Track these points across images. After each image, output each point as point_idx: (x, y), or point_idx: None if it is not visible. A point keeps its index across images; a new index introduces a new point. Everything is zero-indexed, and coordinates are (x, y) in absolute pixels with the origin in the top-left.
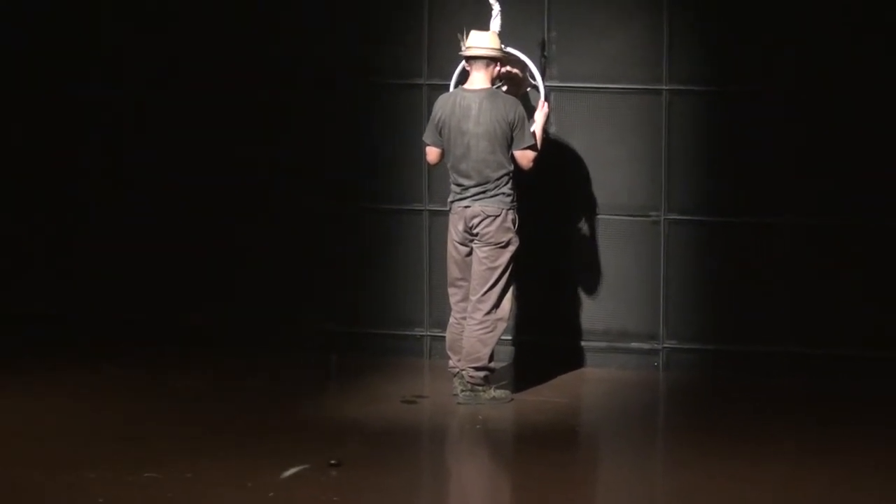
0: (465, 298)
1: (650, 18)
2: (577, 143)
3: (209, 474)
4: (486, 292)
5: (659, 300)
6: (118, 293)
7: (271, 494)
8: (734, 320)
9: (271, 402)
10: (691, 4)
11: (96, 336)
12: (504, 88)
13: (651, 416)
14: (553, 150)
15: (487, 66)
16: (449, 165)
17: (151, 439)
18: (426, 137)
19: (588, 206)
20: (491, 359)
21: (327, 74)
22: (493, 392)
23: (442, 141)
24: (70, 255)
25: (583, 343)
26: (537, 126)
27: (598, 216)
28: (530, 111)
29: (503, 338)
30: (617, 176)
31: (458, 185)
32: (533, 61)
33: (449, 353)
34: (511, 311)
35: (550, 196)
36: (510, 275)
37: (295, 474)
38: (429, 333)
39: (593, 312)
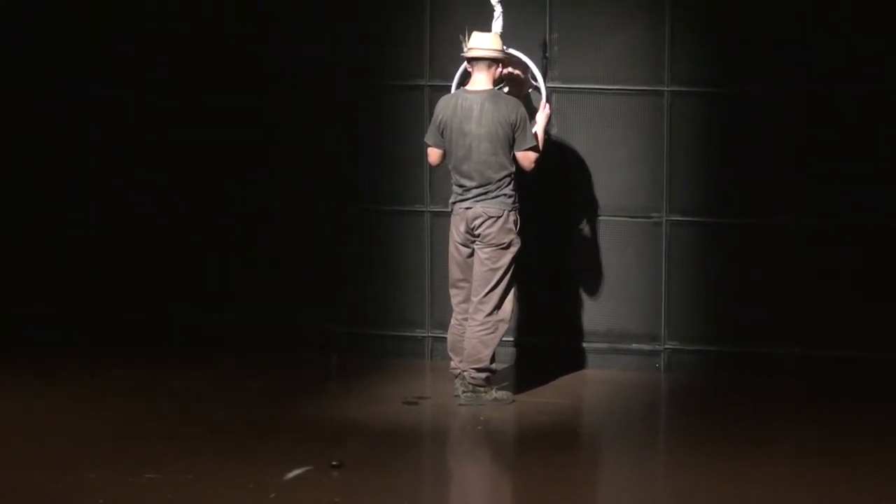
0: (467, 299)
1: (651, 20)
2: (579, 144)
3: (210, 475)
4: (487, 293)
5: (660, 301)
6: (118, 293)
7: (273, 495)
8: (735, 321)
9: (272, 403)
10: (692, 6)
11: (96, 336)
12: (506, 90)
13: (652, 417)
14: (554, 151)
15: (489, 67)
16: (451, 167)
17: (152, 440)
18: (428, 139)
19: (589, 208)
20: (492, 360)
21: (329, 75)
22: (495, 393)
23: (443, 142)
24: (70, 255)
25: (584, 344)
26: (539, 127)
27: (600, 217)
28: (532, 112)
29: (505, 339)
30: (618, 177)
31: (460, 186)
32: (534, 62)
33: (450, 354)
34: (513, 312)
35: (552, 197)
36: (512, 276)
37: (298, 476)
38: (430, 334)
39: (595, 314)
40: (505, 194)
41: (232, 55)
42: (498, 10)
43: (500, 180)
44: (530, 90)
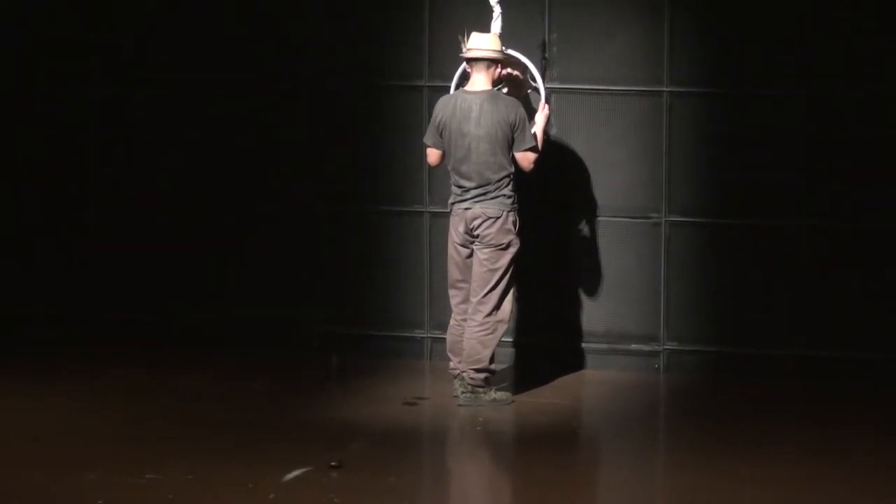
0: (466, 300)
1: (651, 20)
2: (578, 144)
3: (209, 475)
4: (486, 294)
5: (659, 302)
6: (118, 293)
7: (272, 496)
8: (735, 322)
9: (272, 404)
10: (692, 6)
11: (96, 336)
12: (505, 90)
13: (652, 417)
14: (554, 151)
15: (488, 67)
16: (450, 167)
17: (152, 440)
18: (427, 139)
19: (589, 208)
20: (491, 360)
21: (328, 75)
22: (494, 394)
23: (443, 143)
24: (70, 255)
25: (583, 345)
26: (538, 128)
27: (599, 218)
28: (531, 113)
29: (504, 339)
30: (617, 178)
31: (459, 186)
32: (533, 63)
33: (449, 354)
34: (512, 312)
35: (551, 198)
36: (511, 277)
37: (297, 477)
38: (429, 335)
39: (594, 314)
40: (504, 195)
41: (232, 55)
42: (497, 10)
43: (499, 181)
44: (529, 91)
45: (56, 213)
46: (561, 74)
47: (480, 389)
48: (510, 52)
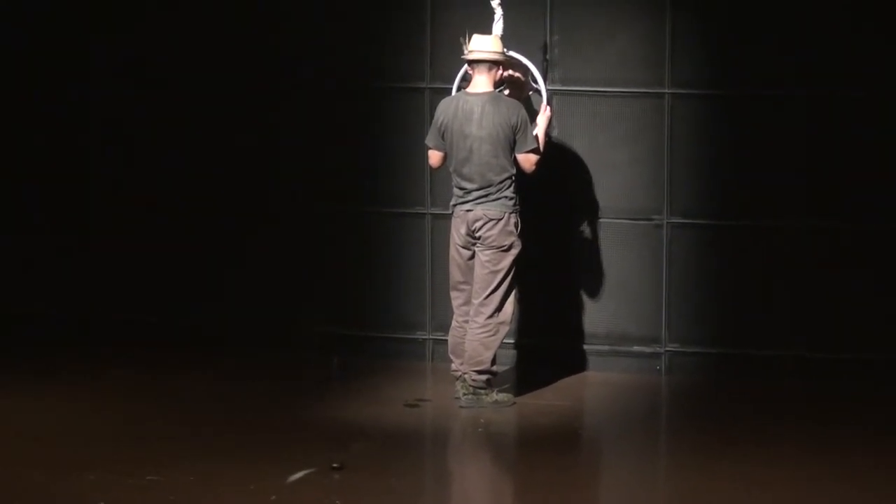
0: (468, 302)
1: (652, 22)
2: (580, 146)
3: (211, 477)
4: (488, 296)
5: (661, 304)
6: (118, 293)
7: (273, 498)
8: (736, 324)
9: (273, 405)
10: (693, 7)
11: (96, 336)
12: (506, 92)
13: (653, 419)
14: (555, 153)
15: (490, 69)
16: (451, 169)
17: (153, 440)
18: (428, 141)
19: (590, 210)
20: (493, 362)
21: (329, 77)
22: (496, 395)
23: (444, 144)
24: (70, 255)
25: (585, 346)
26: (540, 130)
27: (601, 219)
28: (533, 115)
29: (505, 341)
30: (619, 179)
31: (461, 188)
32: (535, 65)
33: (451, 356)
34: (513, 314)
35: (553, 199)
36: (512, 278)
37: (300, 478)
38: (431, 337)
39: (595, 316)
40: (506, 196)
41: (233, 56)
42: (498, 12)
43: (500, 182)
44: (531, 92)
45: (56, 213)
46: (562, 76)
47: (482, 391)
48: (512, 53)
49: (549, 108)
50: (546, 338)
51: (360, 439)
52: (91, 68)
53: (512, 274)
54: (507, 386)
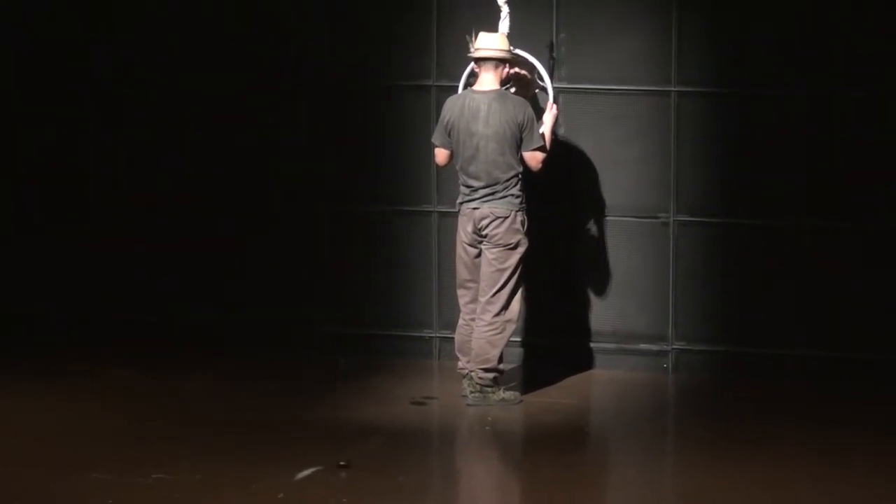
0: (475, 300)
1: (658, 20)
2: (586, 144)
3: (218, 475)
4: (495, 294)
5: (668, 302)
6: (122, 293)
7: (280, 496)
8: (743, 322)
9: (279, 403)
10: (700, 6)
11: (97, 336)
12: (513, 90)
13: (660, 417)
14: (562, 151)
15: (496, 67)
16: (458, 167)
17: (158, 440)
18: (435, 139)
19: (597, 208)
20: (500, 360)
21: (335, 75)
22: (503, 393)
23: (451, 142)
24: (70, 255)
25: (592, 345)
26: (546, 128)
27: (607, 217)
28: (539, 113)
29: (512, 339)
30: (625, 177)
31: (468, 186)
32: (541, 63)
33: (458, 354)
34: (520, 312)
35: (559, 197)
36: (519, 276)
37: (306, 476)
38: (438, 335)
39: (602, 314)
40: (512, 195)
41: (236, 56)
42: (505, 10)
43: (507, 180)
44: (537, 90)
45: (56, 213)
46: (569, 74)
47: (489, 389)
48: (518, 51)
49: (555, 106)
50: (553, 336)
51: (366, 437)
52: (91, 68)
53: (518, 272)
54: (513, 384)
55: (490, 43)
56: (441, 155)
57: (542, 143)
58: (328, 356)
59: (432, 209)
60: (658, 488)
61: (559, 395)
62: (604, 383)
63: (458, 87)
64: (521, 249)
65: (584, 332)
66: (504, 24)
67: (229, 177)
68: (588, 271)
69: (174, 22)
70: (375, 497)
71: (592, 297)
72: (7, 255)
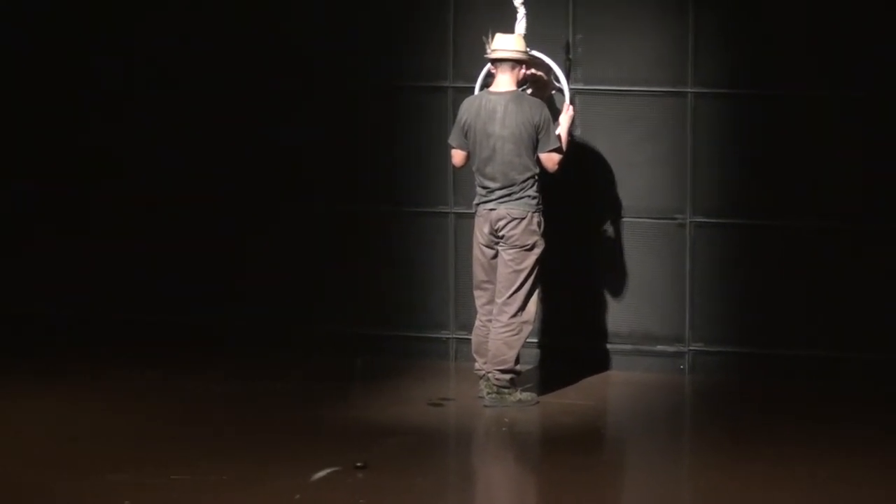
0: (491, 301)
1: (675, 21)
2: (602, 145)
3: (235, 476)
4: (511, 295)
5: (684, 303)
6: (133, 293)
7: (298, 496)
8: (760, 323)
9: (296, 404)
10: (716, 7)
11: (112, 338)
12: (529, 91)
13: (677, 419)
14: (578, 152)
15: (513, 68)
16: (474, 168)
17: (176, 441)
18: (452, 140)
19: (613, 209)
20: (517, 361)
21: (352, 76)
22: (519, 394)
23: (467, 144)
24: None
25: (608, 346)
26: (562, 129)
27: (624, 219)
28: (555, 114)
29: (529, 340)
30: (642, 178)
31: (484, 187)
32: (558, 64)
33: (475, 355)
34: (536, 313)
35: (576, 199)
36: (536, 277)
37: (323, 477)
38: (454, 336)
39: (619, 315)
40: (529, 196)
41: (250, 56)
42: (521, 11)
43: (523, 182)
44: (553, 92)
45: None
46: (585, 75)
47: (506, 390)
48: (535, 52)
49: (571, 107)
50: (569, 337)
51: (383, 438)
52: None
53: (535, 273)
54: (530, 385)
55: (507, 44)
56: (458, 156)
57: (558, 145)
58: (344, 357)
59: (449, 210)
60: (674, 490)
61: (576, 397)
62: (620, 385)
63: (474, 88)
64: (537, 251)
65: (601, 333)
66: (520, 25)
67: (246, 177)
68: (604, 272)
69: (180, 20)
70: (392, 498)
71: (609, 298)
72: (7, 256)
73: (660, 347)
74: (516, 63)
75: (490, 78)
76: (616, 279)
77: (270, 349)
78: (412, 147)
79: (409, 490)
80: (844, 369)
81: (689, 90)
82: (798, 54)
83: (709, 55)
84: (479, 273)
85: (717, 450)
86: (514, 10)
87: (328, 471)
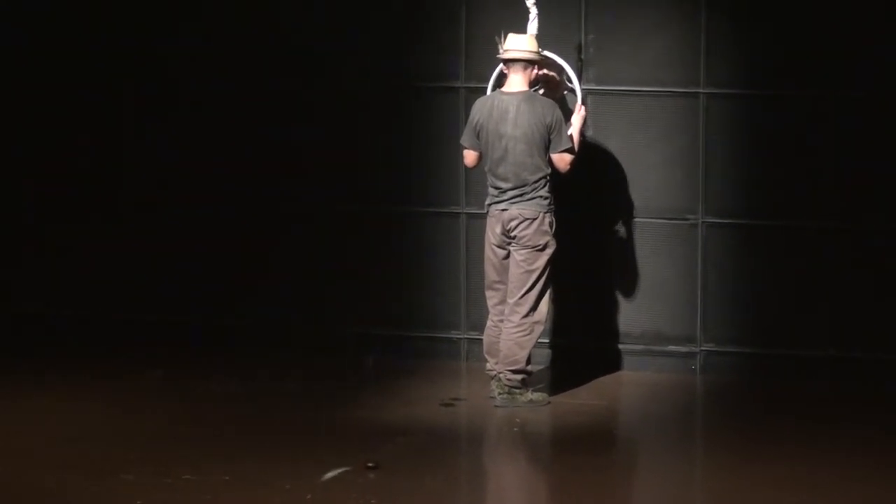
0: (503, 301)
1: (687, 22)
2: (614, 146)
3: (246, 476)
4: (523, 295)
5: (696, 303)
6: (138, 293)
7: (309, 497)
8: (772, 323)
9: (308, 405)
10: (728, 7)
11: (112, 338)
12: (541, 92)
13: (688, 419)
14: (590, 153)
15: (525, 68)
16: (486, 168)
17: (187, 441)
18: (464, 140)
19: (625, 209)
20: (528, 362)
21: (364, 76)
22: (531, 395)
23: (479, 144)
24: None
25: (620, 346)
26: (574, 129)
27: (635, 219)
28: (567, 114)
29: (540, 341)
30: (654, 179)
31: (496, 188)
32: (570, 64)
33: (486, 355)
34: (548, 314)
35: (587, 199)
36: (547, 278)
37: (334, 477)
38: (466, 336)
39: (630, 315)
40: (541, 196)
41: (259, 56)
42: (533, 12)
43: (535, 182)
44: (566, 92)
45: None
46: (597, 76)
47: (517, 390)
48: (547, 53)
49: (583, 107)
50: (581, 337)
51: (395, 439)
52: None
53: (547, 273)
54: (541, 385)
55: (519, 44)
56: (470, 156)
57: (570, 145)
58: (355, 357)
59: (461, 211)
60: (686, 490)
61: (587, 397)
62: (632, 385)
63: (486, 88)
64: (549, 251)
65: (613, 333)
66: (533, 25)
67: (256, 177)
68: (616, 273)
69: (199, 20)
70: (404, 498)
71: (620, 298)
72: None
73: (671, 347)
74: (528, 63)
75: (502, 78)
76: (628, 279)
77: (280, 349)
78: (424, 147)
79: (420, 490)
80: (858, 370)
81: (701, 91)
82: (809, 55)
83: (721, 56)
84: (490, 273)
85: (728, 450)
86: (527, 11)
87: (339, 471)
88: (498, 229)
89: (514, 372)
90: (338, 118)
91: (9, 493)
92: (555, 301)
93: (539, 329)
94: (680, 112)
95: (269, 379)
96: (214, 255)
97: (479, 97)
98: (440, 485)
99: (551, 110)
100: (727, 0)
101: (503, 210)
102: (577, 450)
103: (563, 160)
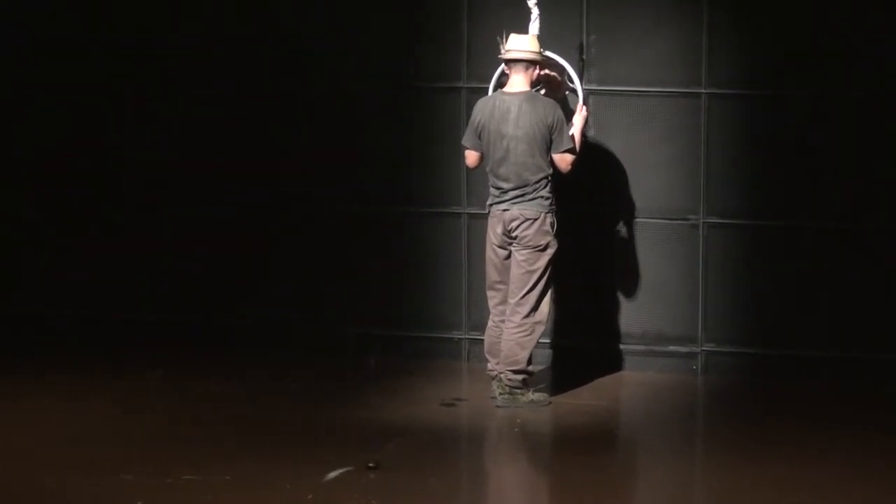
0: (504, 301)
1: (689, 22)
2: (616, 146)
3: (247, 476)
4: (524, 295)
5: (697, 304)
6: (138, 293)
7: (310, 497)
8: (773, 324)
9: (309, 405)
10: (730, 7)
11: (112, 338)
12: (543, 92)
13: (689, 419)
14: (592, 153)
15: (527, 69)
16: (488, 169)
17: (188, 441)
18: (465, 141)
19: (626, 210)
20: (529, 362)
21: (366, 77)
22: (532, 395)
23: (481, 144)
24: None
25: (621, 346)
26: (576, 129)
27: (637, 219)
28: (569, 115)
29: (541, 341)
30: (655, 179)
31: (497, 188)
32: (571, 65)
33: (487, 356)
34: (549, 314)
35: (589, 199)
36: (548, 278)
37: (336, 477)
38: (467, 336)
39: (632, 316)
40: (542, 196)
41: (260, 56)
42: (535, 12)
43: (537, 182)
44: (567, 92)
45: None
46: (599, 76)
47: (518, 391)
48: (548, 53)
49: (585, 107)
50: (582, 337)
51: (396, 439)
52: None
53: (548, 274)
54: (542, 385)
55: (520, 44)
56: (471, 157)
57: (571, 145)
58: (356, 357)
59: (462, 211)
60: (688, 490)
61: (588, 397)
62: (633, 385)
63: (488, 88)
64: (550, 251)
65: (614, 333)
66: (534, 25)
67: (256, 177)
68: (617, 273)
69: (199, 20)
70: (404, 498)
71: (622, 298)
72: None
73: (672, 348)
74: (530, 64)
75: (504, 78)
76: (629, 280)
77: (282, 350)
78: (426, 148)
79: (421, 490)
80: (859, 370)
81: (702, 91)
82: (811, 55)
83: (723, 56)
84: (492, 273)
85: (728, 450)
86: (528, 11)
87: (341, 471)
88: (499, 229)
89: (515, 372)
90: (338, 118)
91: (9, 493)
92: (556, 301)
93: (540, 329)
94: (681, 112)
95: (269, 379)
96: (214, 255)
97: (481, 97)
98: (441, 485)
99: (553, 110)
100: (728, 0)
101: (504, 210)
102: (577, 450)
103: (564, 160)
